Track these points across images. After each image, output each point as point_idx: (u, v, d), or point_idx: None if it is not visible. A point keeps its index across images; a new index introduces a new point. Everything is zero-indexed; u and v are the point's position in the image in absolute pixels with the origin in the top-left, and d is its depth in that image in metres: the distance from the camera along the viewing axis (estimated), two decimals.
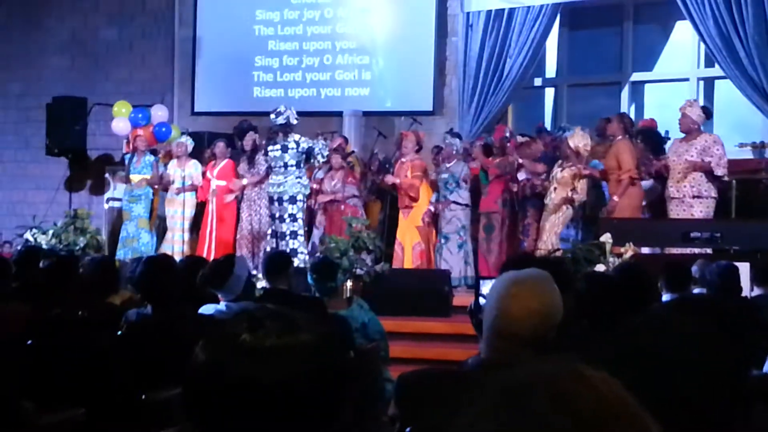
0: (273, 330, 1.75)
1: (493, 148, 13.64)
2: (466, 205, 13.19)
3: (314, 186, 13.67)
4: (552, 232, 12.02)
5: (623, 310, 4.53)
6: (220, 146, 14.53)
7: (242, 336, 1.73)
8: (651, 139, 12.91)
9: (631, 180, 11.92)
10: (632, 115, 15.22)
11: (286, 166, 12.73)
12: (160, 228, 14.95)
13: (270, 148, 12.98)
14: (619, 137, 12.19)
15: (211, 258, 11.79)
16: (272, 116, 12.83)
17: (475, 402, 1.23)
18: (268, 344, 1.72)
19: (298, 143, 12.75)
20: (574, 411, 1.18)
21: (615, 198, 12.03)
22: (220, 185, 14.22)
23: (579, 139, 12.17)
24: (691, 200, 11.46)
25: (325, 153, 13.09)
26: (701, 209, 11.45)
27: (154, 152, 15.33)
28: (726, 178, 11.66)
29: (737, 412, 1.78)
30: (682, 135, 11.88)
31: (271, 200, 12.96)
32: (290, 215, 12.76)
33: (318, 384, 1.73)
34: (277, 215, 12.84)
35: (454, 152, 13.37)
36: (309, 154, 12.87)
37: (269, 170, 13.25)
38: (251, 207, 13.90)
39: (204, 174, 14.46)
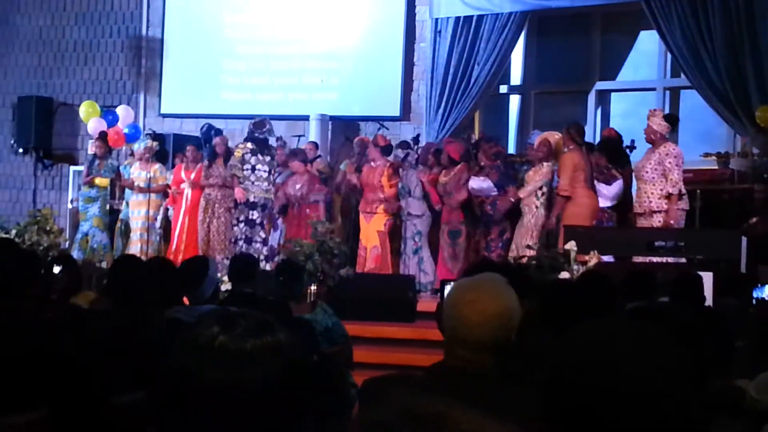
0: (250, 330, 1.72)
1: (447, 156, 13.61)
2: (418, 215, 13.24)
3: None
4: (522, 239, 12.01)
5: (586, 318, 4.56)
6: (192, 150, 14.54)
7: (219, 338, 1.70)
8: (609, 149, 12.85)
9: (561, 196, 11.82)
10: (598, 124, 15.29)
11: (269, 172, 13.30)
12: (124, 230, 14.86)
13: (252, 158, 13.27)
14: (565, 150, 12.01)
15: (179, 260, 11.78)
16: (252, 125, 13.23)
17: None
18: (249, 345, 1.70)
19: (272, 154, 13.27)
20: None
21: (552, 219, 12.05)
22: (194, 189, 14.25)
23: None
24: (651, 213, 11.31)
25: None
26: (660, 219, 11.21)
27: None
28: (675, 193, 11.14)
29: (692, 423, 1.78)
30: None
31: (253, 206, 13.24)
32: (260, 222, 13.16)
33: (293, 383, 1.72)
34: (258, 221, 13.15)
35: (406, 163, 13.52)
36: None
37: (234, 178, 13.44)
38: (214, 211, 13.88)
39: (174, 176, 14.48)
